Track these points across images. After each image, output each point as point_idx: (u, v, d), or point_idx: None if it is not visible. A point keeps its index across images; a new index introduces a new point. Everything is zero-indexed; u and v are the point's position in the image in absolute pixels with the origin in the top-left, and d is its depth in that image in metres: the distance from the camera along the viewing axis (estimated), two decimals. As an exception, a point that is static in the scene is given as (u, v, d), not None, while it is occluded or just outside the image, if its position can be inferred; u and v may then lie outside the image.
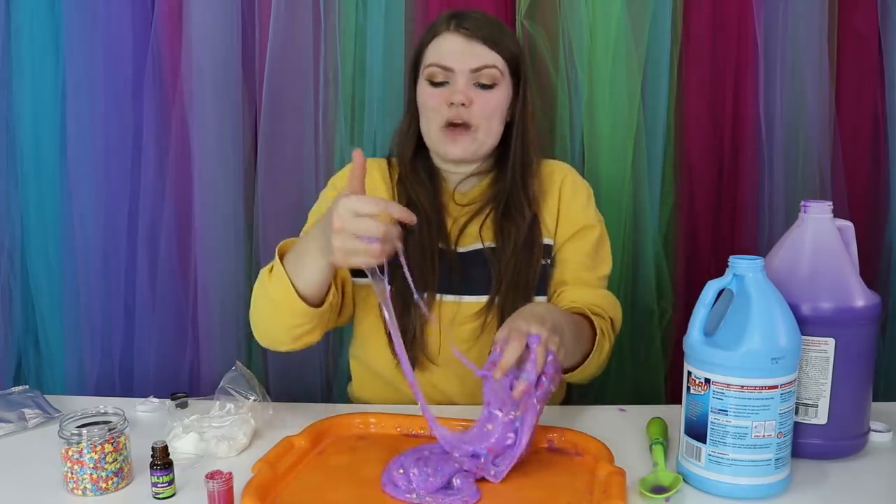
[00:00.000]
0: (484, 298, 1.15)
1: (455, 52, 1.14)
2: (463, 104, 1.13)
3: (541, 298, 1.16)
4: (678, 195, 1.54)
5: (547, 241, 1.18)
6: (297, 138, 1.52)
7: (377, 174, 1.23)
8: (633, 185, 1.50)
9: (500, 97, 1.16)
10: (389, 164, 1.25)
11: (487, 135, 1.16)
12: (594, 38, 1.47)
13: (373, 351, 1.18)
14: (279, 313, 1.03)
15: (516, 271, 1.14)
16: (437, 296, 1.15)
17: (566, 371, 1.07)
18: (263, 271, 1.06)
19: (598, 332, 1.08)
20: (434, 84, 1.15)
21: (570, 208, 1.20)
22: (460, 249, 1.17)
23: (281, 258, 1.01)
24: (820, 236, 0.95)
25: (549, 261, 1.18)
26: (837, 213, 0.96)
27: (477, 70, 1.14)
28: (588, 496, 0.84)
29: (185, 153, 1.52)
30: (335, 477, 0.93)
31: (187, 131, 1.51)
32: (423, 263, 1.14)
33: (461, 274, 1.16)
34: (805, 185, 1.51)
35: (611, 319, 1.15)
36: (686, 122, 1.52)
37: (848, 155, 1.53)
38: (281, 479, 0.90)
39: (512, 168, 1.18)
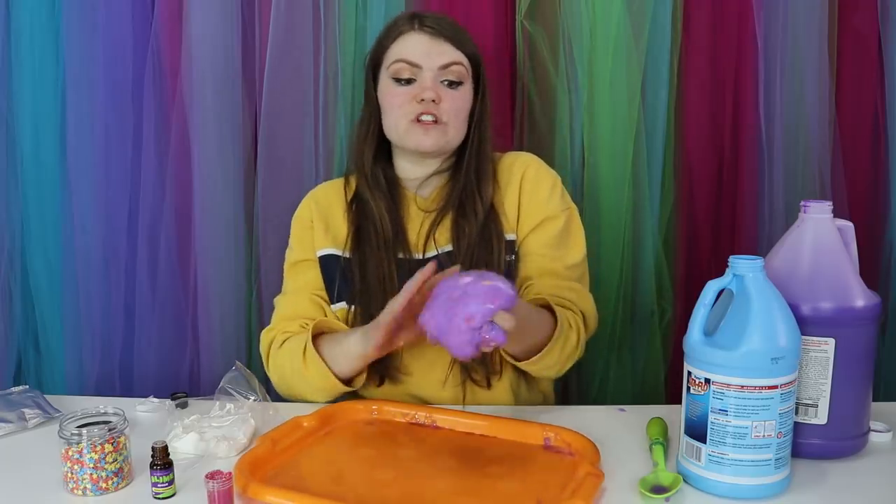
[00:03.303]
0: None
1: (421, 49, 1.14)
2: (433, 100, 1.13)
3: None
4: (678, 195, 1.54)
5: (510, 236, 1.17)
6: (297, 138, 1.52)
7: (334, 199, 1.24)
8: (633, 185, 1.50)
9: (465, 96, 1.17)
10: (346, 183, 1.25)
11: (455, 130, 1.17)
12: (594, 38, 1.46)
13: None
14: (318, 393, 1.12)
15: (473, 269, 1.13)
16: None
17: (521, 359, 1.07)
18: (290, 350, 1.12)
19: (559, 321, 1.05)
20: (399, 82, 1.15)
21: (531, 200, 1.18)
22: (428, 255, 1.17)
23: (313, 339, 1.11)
24: (820, 236, 0.95)
25: (513, 257, 1.17)
26: (837, 213, 0.96)
27: (445, 67, 1.14)
28: (560, 495, 0.84)
29: (185, 153, 1.52)
30: (332, 456, 0.97)
31: (187, 131, 1.51)
32: (382, 275, 1.15)
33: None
34: (805, 185, 1.51)
35: (582, 313, 1.13)
36: (686, 122, 1.52)
37: (848, 155, 1.53)
38: (280, 455, 0.95)
39: (466, 168, 1.18)
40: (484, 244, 1.15)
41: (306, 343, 1.09)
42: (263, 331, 1.21)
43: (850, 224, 0.97)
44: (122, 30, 1.50)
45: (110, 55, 1.51)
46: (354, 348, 1.06)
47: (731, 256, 0.88)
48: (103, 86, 1.51)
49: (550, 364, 1.08)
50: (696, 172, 1.53)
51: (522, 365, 1.08)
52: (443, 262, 1.15)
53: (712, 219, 1.55)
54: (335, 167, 1.52)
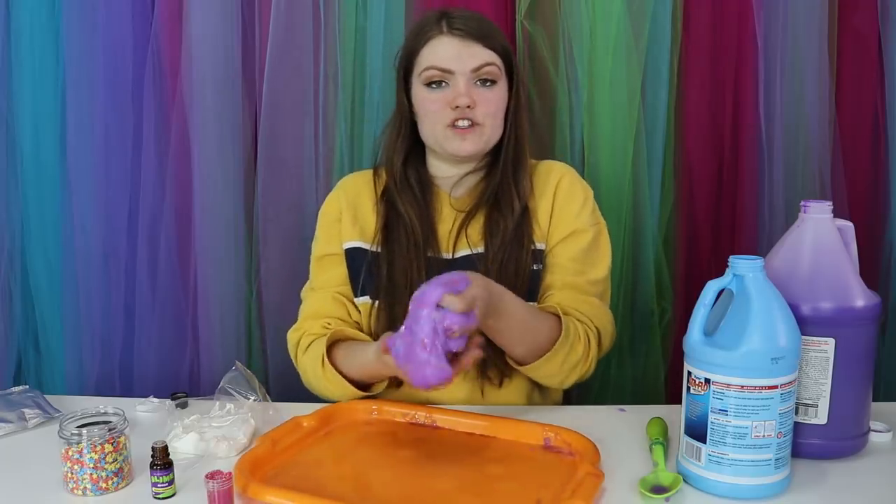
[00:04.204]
0: None
1: (452, 53, 1.13)
2: (468, 106, 1.12)
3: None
4: (678, 195, 1.54)
5: (540, 245, 1.17)
6: (297, 138, 1.52)
7: (364, 190, 1.24)
8: (633, 185, 1.50)
9: (500, 94, 1.16)
10: (375, 174, 1.25)
11: (492, 130, 1.16)
12: (594, 38, 1.46)
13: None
14: (340, 398, 1.13)
15: (503, 270, 1.13)
16: None
17: (523, 363, 1.06)
18: (312, 357, 1.13)
19: (563, 329, 1.04)
20: (432, 86, 1.15)
21: (563, 212, 1.18)
22: (457, 255, 1.17)
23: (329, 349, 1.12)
24: (820, 236, 0.95)
25: (540, 266, 1.16)
26: (837, 213, 0.96)
27: (477, 69, 1.13)
28: (560, 495, 0.84)
29: (185, 153, 1.52)
30: (332, 456, 0.97)
31: (187, 131, 1.51)
32: (410, 274, 1.14)
33: None
34: (805, 185, 1.51)
35: (597, 329, 1.12)
36: (686, 122, 1.52)
37: (848, 155, 1.53)
38: (280, 455, 0.95)
39: (504, 163, 1.18)
40: (516, 242, 1.14)
41: (323, 356, 1.10)
42: (290, 330, 1.22)
43: (850, 224, 0.97)
44: (122, 30, 1.50)
45: (110, 55, 1.51)
46: (372, 363, 1.05)
47: (731, 256, 0.88)
48: (103, 86, 1.51)
49: (552, 372, 1.08)
50: (696, 172, 1.53)
51: (523, 370, 1.08)
52: (474, 262, 1.14)
53: (712, 219, 1.55)
54: (335, 167, 1.52)
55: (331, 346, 1.13)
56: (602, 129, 1.49)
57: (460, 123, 1.13)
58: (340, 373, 1.10)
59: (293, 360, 1.21)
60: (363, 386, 1.12)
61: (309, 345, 1.16)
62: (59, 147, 1.55)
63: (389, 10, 1.48)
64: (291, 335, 1.21)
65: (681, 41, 1.49)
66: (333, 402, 1.14)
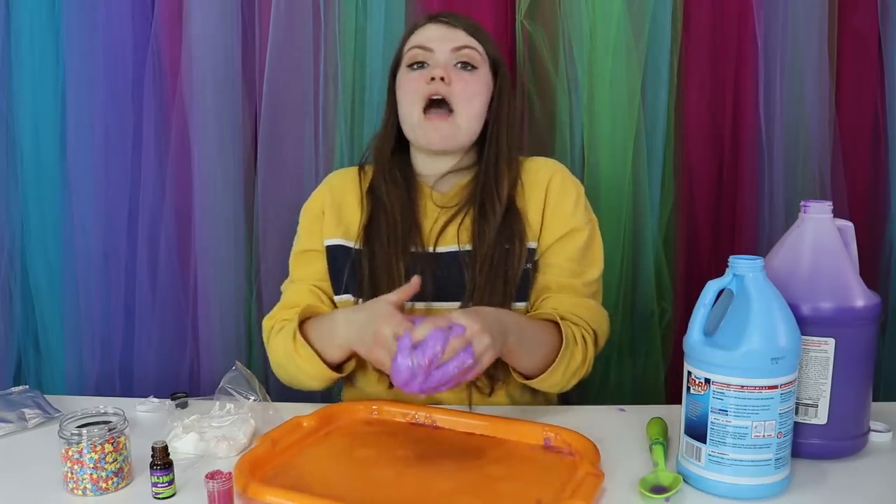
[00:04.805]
0: (455, 304, 1.12)
1: (436, 35, 1.16)
2: (442, 78, 1.13)
3: (521, 305, 1.14)
4: (678, 195, 1.54)
5: (531, 244, 1.15)
6: (297, 138, 1.52)
7: (350, 187, 1.24)
8: (633, 185, 1.50)
9: (480, 81, 1.16)
10: (361, 171, 1.25)
11: (467, 121, 1.16)
12: (594, 38, 1.47)
13: (363, 378, 1.19)
14: (311, 380, 1.12)
15: (492, 273, 1.12)
16: (408, 304, 1.12)
17: (529, 377, 1.07)
18: (283, 337, 1.12)
19: (564, 338, 1.05)
20: (413, 67, 1.16)
21: (556, 210, 1.17)
22: (439, 250, 1.16)
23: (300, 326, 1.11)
24: (820, 236, 0.95)
25: (531, 265, 1.15)
26: (837, 213, 0.96)
27: (457, 49, 1.15)
28: (560, 495, 0.84)
29: (185, 153, 1.52)
30: (332, 456, 0.97)
31: (187, 131, 1.52)
32: (391, 269, 1.14)
33: (436, 278, 1.13)
34: (805, 185, 1.51)
35: (594, 331, 1.12)
36: (686, 122, 1.52)
37: (848, 155, 1.53)
38: (280, 455, 0.95)
39: (486, 161, 1.18)
40: (506, 241, 1.13)
41: (294, 329, 1.09)
42: (265, 318, 1.21)
43: (850, 224, 0.97)
44: (122, 30, 1.51)
45: (110, 55, 1.51)
46: (342, 335, 1.05)
47: (731, 256, 0.88)
48: (103, 86, 1.52)
49: (556, 381, 1.08)
50: (696, 172, 1.53)
51: (529, 383, 1.08)
52: (459, 258, 1.14)
53: (712, 219, 1.55)
54: (335, 167, 1.52)
55: (301, 325, 1.12)
56: (602, 129, 1.49)
57: (433, 95, 1.13)
58: (312, 348, 1.09)
59: (265, 346, 1.19)
60: (334, 366, 1.10)
61: (281, 329, 1.15)
62: (59, 147, 1.55)
63: (389, 11, 1.48)
64: (265, 323, 1.20)
65: (681, 41, 1.49)
66: (312, 391, 1.13)
